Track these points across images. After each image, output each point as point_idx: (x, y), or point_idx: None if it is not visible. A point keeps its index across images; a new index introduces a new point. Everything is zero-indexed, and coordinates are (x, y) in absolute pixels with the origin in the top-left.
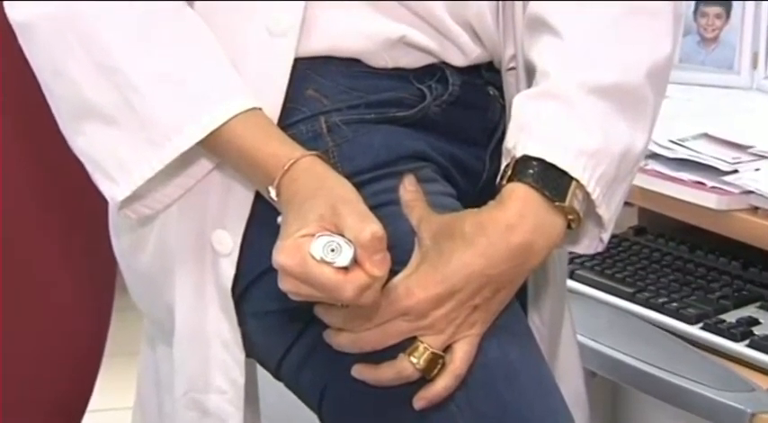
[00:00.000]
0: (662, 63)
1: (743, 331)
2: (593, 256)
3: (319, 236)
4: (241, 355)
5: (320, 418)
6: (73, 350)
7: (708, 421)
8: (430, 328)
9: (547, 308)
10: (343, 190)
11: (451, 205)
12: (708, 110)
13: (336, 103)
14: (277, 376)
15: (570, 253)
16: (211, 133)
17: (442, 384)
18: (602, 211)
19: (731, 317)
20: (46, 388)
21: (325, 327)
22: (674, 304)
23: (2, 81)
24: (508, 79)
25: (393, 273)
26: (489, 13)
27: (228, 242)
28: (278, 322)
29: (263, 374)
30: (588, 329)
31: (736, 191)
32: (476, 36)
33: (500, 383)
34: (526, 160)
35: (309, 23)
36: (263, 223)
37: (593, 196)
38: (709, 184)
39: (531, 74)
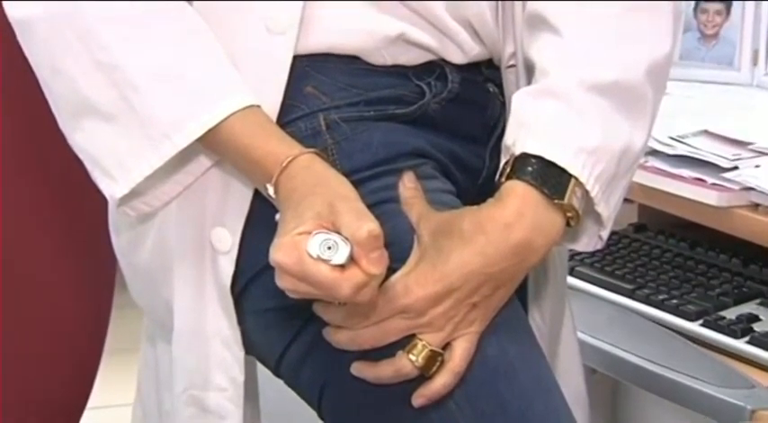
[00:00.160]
0: (662, 61)
1: (743, 328)
2: (592, 253)
3: (316, 233)
4: (240, 353)
5: (320, 415)
6: (72, 347)
7: (708, 418)
8: (429, 326)
9: (547, 305)
10: (341, 188)
11: (451, 202)
12: (708, 107)
13: (335, 100)
14: (277, 373)
15: (570, 250)
16: (210, 131)
17: (440, 382)
18: (601, 208)
19: (731, 313)
20: (45, 385)
21: (325, 324)
22: (674, 301)
23: (2, 81)
24: (508, 77)
25: (392, 270)
26: (488, 11)
27: (228, 240)
28: (277, 320)
29: (262, 372)
30: (588, 326)
31: (737, 187)
32: (475, 34)
33: (499, 381)
34: (525, 158)
35: (308, 21)
36: (262, 221)
37: (593, 194)
38: (710, 180)
39: (530, 71)
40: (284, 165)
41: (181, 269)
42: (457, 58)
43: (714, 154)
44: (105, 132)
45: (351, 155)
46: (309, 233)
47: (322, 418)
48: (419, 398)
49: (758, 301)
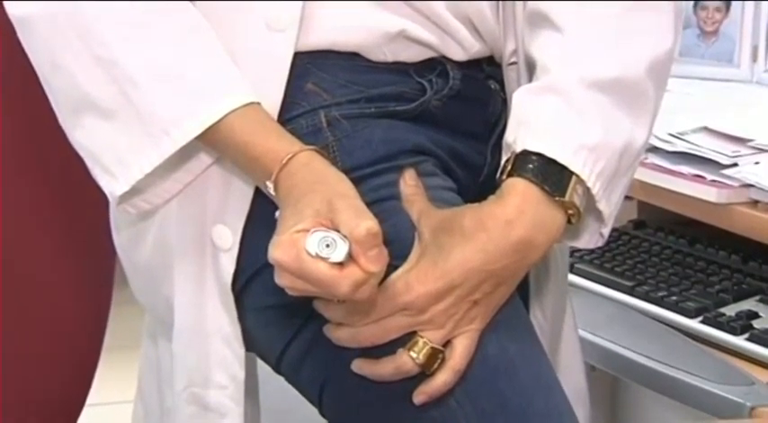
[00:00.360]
0: (663, 58)
1: (742, 325)
2: (592, 250)
3: (314, 231)
4: (241, 351)
5: (321, 412)
6: (72, 345)
7: (707, 415)
8: (429, 323)
9: (549, 302)
10: (340, 185)
11: (452, 200)
12: (707, 103)
13: (336, 97)
14: (277, 371)
15: (569, 247)
16: (209, 128)
17: (441, 379)
18: (602, 205)
19: (731, 310)
20: (45, 383)
21: (325, 321)
22: (674, 298)
23: (2, 81)
24: (509, 74)
25: (393, 267)
26: (488, 8)
27: (228, 237)
28: (278, 317)
29: (262, 369)
30: (587, 323)
31: (736, 184)
32: (475, 31)
33: (500, 379)
34: (526, 155)
35: (309, 18)
36: (263, 218)
37: (594, 191)
38: (709, 177)
39: (532, 69)
40: (284, 162)
41: (181, 266)
42: (458, 54)
43: (714, 151)
44: (105, 129)
45: (352, 152)
46: (308, 231)
47: (323, 415)
48: (420, 395)
49: (757, 297)
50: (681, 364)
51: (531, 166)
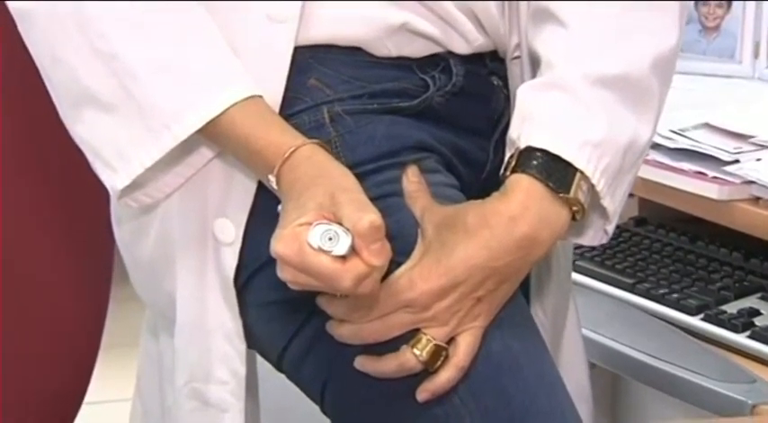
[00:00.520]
0: (667, 54)
1: (744, 322)
2: (593, 247)
3: (317, 224)
4: (242, 346)
5: (322, 409)
6: (70, 344)
7: (709, 412)
8: (433, 320)
9: (550, 299)
10: (343, 179)
11: (454, 196)
12: (709, 99)
13: (339, 92)
14: (278, 368)
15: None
16: (210, 122)
17: (445, 377)
18: (606, 202)
19: (732, 308)
20: (43, 382)
21: (328, 318)
22: (675, 295)
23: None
24: (513, 69)
25: (396, 264)
26: (493, 2)
27: (231, 231)
28: (280, 313)
29: (262, 366)
30: (588, 320)
31: (738, 181)
32: (479, 24)
33: (503, 376)
34: (530, 151)
35: (310, 10)
36: (266, 213)
37: (598, 188)
38: (711, 174)
39: (535, 64)
40: (286, 156)
41: (183, 261)
42: (461, 48)
43: (715, 147)
44: (105, 123)
45: (354, 148)
46: (310, 224)
47: (324, 413)
48: (423, 392)
49: (759, 295)
50: (682, 361)
51: (535, 162)
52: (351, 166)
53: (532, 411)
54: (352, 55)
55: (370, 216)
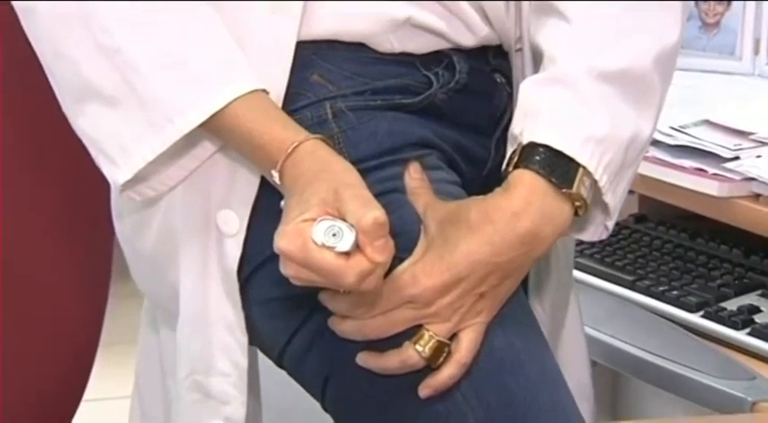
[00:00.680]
0: (669, 51)
1: (744, 319)
2: (593, 244)
3: (321, 220)
4: (244, 338)
5: (323, 406)
6: (69, 343)
7: (709, 409)
8: (435, 316)
9: (549, 296)
10: (347, 174)
11: (456, 193)
12: (709, 96)
13: (342, 88)
14: (279, 364)
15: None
16: (213, 116)
17: (447, 373)
18: (608, 198)
19: (732, 305)
20: (42, 380)
21: (330, 314)
22: (675, 292)
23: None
24: (515, 62)
25: (399, 260)
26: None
27: (234, 222)
28: (282, 309)
29: (263, 363)
30: (588, 318)
31: (738, 178)
32: (484, 15)
33: (506, 373)
34: (533, 147)
35: (313, 4)
36: (269, 209)
37: (601, 184)
38: (711, 170)
39: (537, 57)
40: (289, 151)
41: (186, 253)
42: (466, 40)
43: (715, 144)
44: (108, 117)
45: (357, 144)
46: (314, 220)
47: (325, 410)
48: (425, 389)
49: (759, 292)
50: (682, 358)
51: (538, 157)
52: (353, 163)
53: (534, 409)
54: (356, 51)
55: (374, 212)
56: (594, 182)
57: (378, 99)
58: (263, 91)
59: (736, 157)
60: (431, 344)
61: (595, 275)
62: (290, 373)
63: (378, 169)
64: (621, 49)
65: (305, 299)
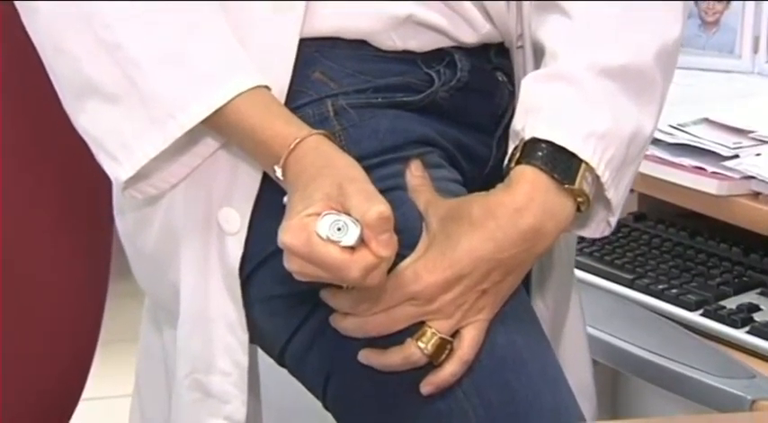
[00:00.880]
0: (670, 47)
1: (743, 318)
2: (592, 242)
3: (325, 214)
4: (245, 337)
5: (324, 404)
6: (67, 338)
7: (708, 408)
8: (438, 313)
9: (551, 293)
10: (350, 169)
11: (457, 191)
12: (708, 94)
13: (343, 86)
14: (280, 362)
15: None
16: (216, 112)
17: (449, 370)
18: (610, 194)
19: (731, 303)
20: (39, 376)
21: (332, 311)
22: (674, 291)
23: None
24: (517, 59)
25: (401, 257)
26: None
27: (236, 220)
28: (283, 307)
29: (264, 362)
30: (587, 316)
31: (737, 176)
32: (485, 11)
33: (507, 371)
34: (535, 143)
35: (315, 2)
36: (271, 206)
37: (603, 179)
38: (710, 169)
39: (538, 54)
40: (292, 146)
41: (187, 251)
42: (468, 37)
43: (714, 142)
44: (109, 114)
45: (358, 141)
46: (318, 214)
47: (326, 408)
48: (427, 386)
49: (758, 290)
50: (681, 357)
51: (540, 153)
52: (355, 160)
53: (536, 406)
54: (358, 48)
55: (378, 206)
56: (597, 177)
57: (379, 97)
58: (266, 87)
59: (736, 156)
60: (433, 341)
61: (595, 274)
62: (291, 372)
63: (379, 167)
64: (623, 44)
65: (306, 296)
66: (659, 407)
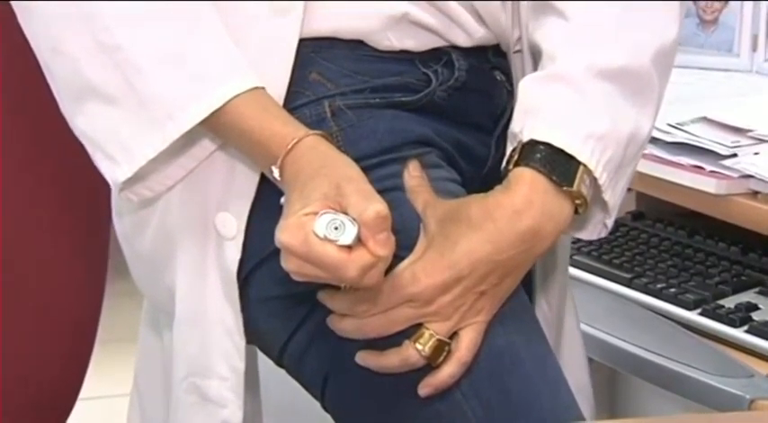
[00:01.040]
0: (667, 48)
1: (742, 317)
2: (590, 242)
3: (323, 214)
4: (242, 342)
5: (323, 405)
6: (65, 337)
7: (706, 407)
8: (436, 315)
9: (555, 293)
10: (348, 169)
11: (456, 191)
12: (707, 93)
13: (340, 87)
14: (279, 363)
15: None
16: (214, 113)
17: (447, 372)
18: (608, 196)
19: (730, 302)
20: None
21: (330, 312)
22: (673, 290)
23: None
24: (515, 62)
25: (399, 258)
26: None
27: (233, 225)
28: (281, 308)
29: (263, 363)
30: (586, 315)
31: (736, 175)
32: (478, 16)
33: (506, 372)
34: (533, 144)
35: (312, 3)
36: (268, 207)
37: (601, 181)
38: (708, 168)
39: (536, 56)
40: (289, 147)
41: (183, 255)
42: (462, 40)
43: (713, 141)
44: (107, 115)
45: (356, 142)
46: (316, 214)
47: (325, 409)
48: (425, 387)
49: (757, 289)
50: (680, 356)
51: (538, 155)
52: (353, 161)
53: (535, 407)
54: (355, 49)
55: (376, 206)
56: (594, 179)
57: (377, 97)
58: (263, 88)
59: (734, 155)
60: (431, 342)
61: (593, 273)
62: (290, 373)
63: (377, 167)
64: (620, 46)
65: (304, 297)
66: (657, 406)
